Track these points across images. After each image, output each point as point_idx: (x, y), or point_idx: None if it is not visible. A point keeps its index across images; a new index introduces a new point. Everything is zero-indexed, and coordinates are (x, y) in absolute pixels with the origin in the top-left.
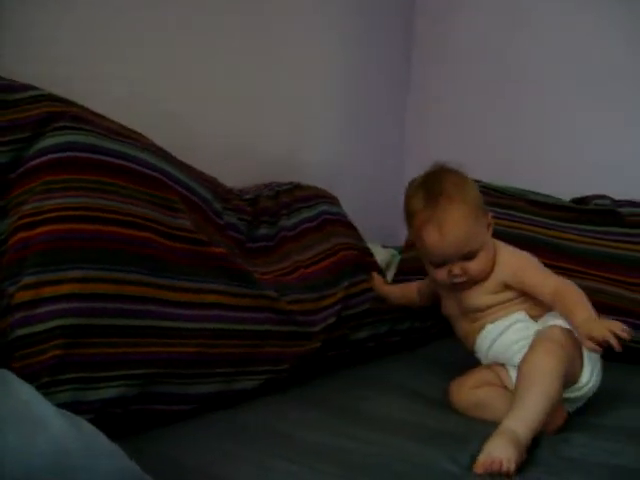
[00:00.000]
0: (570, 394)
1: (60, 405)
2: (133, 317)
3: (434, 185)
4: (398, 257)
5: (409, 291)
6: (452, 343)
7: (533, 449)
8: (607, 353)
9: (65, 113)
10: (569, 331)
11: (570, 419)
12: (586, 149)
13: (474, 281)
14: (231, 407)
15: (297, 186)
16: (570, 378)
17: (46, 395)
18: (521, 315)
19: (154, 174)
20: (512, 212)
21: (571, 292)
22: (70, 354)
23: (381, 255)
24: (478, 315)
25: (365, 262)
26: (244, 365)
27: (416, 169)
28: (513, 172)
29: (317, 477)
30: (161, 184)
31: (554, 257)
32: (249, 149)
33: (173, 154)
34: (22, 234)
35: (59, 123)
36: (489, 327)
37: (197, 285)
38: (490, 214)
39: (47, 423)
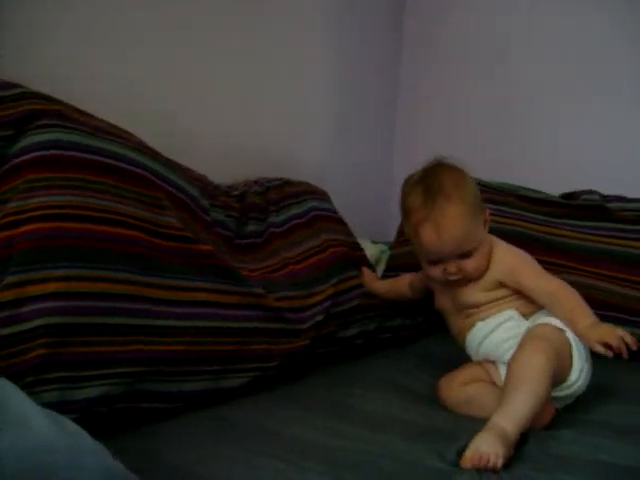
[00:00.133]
0: (559, 393)
1: (46, 404)
2: (119, 315)
3: (433, 182)
4: (388, 253)
5: (399, 285)
6: (442, 339)
7: (521, 445)
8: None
9: (49, 111)
10: (559, 330)
11: (558, 415)
12: (575, 147)
13: (469, 279)
14: (219, 405)
15: (287, 182)
16: (559, 376)
17: (31, 395)
18: (512, 313)
19: (140, 172)
20: (503, 208)
21: (568, 295)
22: (55, 353)
23: (371, 251)
24: (471, 311)
25: (355, 258)
26: (232, 363)
27: (406, 167)
28: (502, 171)
29: (304, 475)
30: (147, 182)
31: (545, 253)
32: (241, 147)
33: (170, 152)
34: (6, 233)
35: (43, 121)
36: (480, 324)
37: (184, 283)
38: (487, 210)
39: (31, 422)
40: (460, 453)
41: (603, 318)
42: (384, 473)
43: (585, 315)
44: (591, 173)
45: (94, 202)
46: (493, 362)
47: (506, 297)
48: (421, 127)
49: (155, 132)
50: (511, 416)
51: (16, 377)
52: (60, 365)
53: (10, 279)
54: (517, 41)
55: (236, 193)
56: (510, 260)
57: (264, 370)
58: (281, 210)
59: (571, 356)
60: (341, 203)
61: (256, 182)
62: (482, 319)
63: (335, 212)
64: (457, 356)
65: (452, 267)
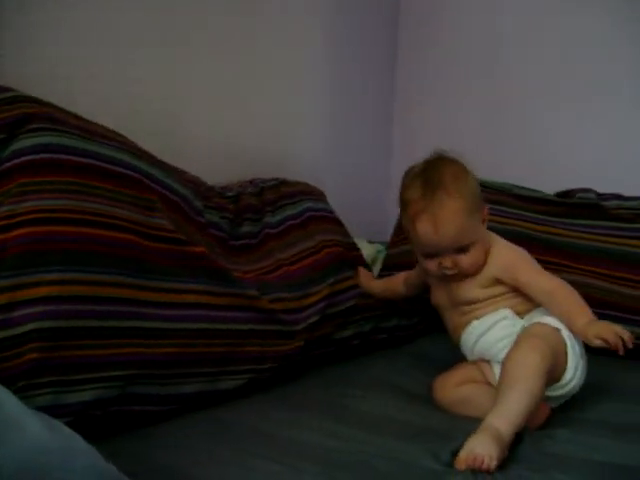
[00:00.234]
0: (553, 392)
1: (39, 408)
2: (112, 319)
3: (433, 175)
4: (384, 253)
5: (394, 284)
6: (438, 339)
7: (516, 445)
8: (586, 346)
9: (40, 114)
10: (555, 329)
11: (553, 414)
12: (575, 147)
13: (465, 275)
14: (214, 407)
15: (283, 182)
16: (554, 375)
17: (24, 399)
18: (507, 312)
19: (132, 174)
20: (499, 207)
21: (567, 294)
22: (48, 357)
23: (367, 251)
24: (467, 308)
25: (351, 258)
26: (226, 365)
27: (403, 167)
28: (501, 171)
29: (300, 476)
30: (140, 184)
31: (542, 252)
32: (237, 147)
33: (169, 152)
34: None
35: (34, 125)
36: (475, 323)
37: (177, 285)
38: (487, 208)
39: (24, 424)
40: (455, 454)
41: (600, 317)
42: (378, 473)
43: (583, 313)
44: (591, 173)
45: (86, 205)
46: (488, 361)
47: (503, 294)
48: (418, 127)
49: (155, 132)
50: (505, 416)
51: (8, 381)
52: (53, 369)
53: (2, 283)
54: (513, 41)
55: (230, 194)
56: (508, 256)
57: (259, 372)
58: (277, 211)
59: (566, 355)
60: (338, 203)
61: (251, 182)
62: (478, 317)
63: (331, 212)
64: (453, 356)
65: (448, 261)
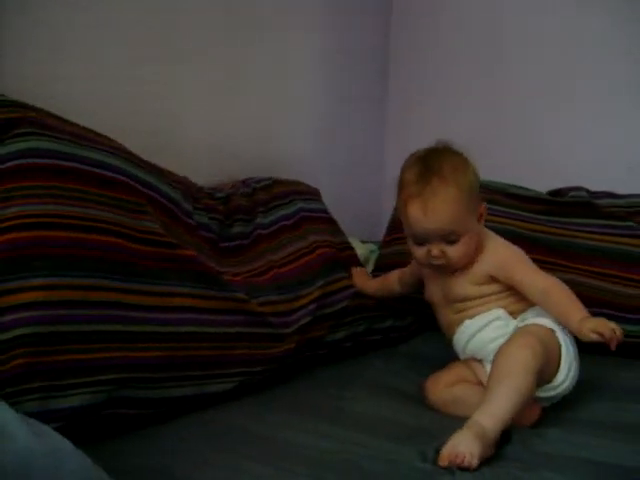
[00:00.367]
0: (545, 393)
1: (28, 414)
2: (101, 323)
3: (433, 162)
4: (377, 252)
5: (389, 282)
6: (431, 338)
7: (506, 444)
8: (579, 345)
9: (25, 119)
10: (549, 329)
11: (545, 413)
12: (574, 147)
13: (453, 267)
14: (205, 410)
15: (276, 181)
16: (545, 376)
17: (12, 405)
18: (500, 312)
19: (120, 178)
20: (491, 206)
21: (562, 292)
22: (35, 362)
23: (359, 250)
24: (460, 306)
25: (344, 258)
26: (216, 368)
27: (397, 167)
28: (497, 171)
29: (292, 479)
30: (127, 187)
31: (534, 250)
32: (230, 146)
33: (169, 152)
34: None
35: (19, 129)
36: (467, 323)
37: (165, 288)
38: (484, 205)
39: (10, 429)
40: (439, 451)
41: (594, 315)
42: (366, 474)
43: (579, 311)
44: (591, 173)
45: (72, 210)
46: (480, 361)
47: (496, 293)
48: (412, 126)
49: (155, 132)
50: (492, 413)
51: None
52: (41, 374)
53: None
54: (513, 41)
55: (220, 195)
56: (503, 254)
57: (249, 375)
58: (269, 211)
59: (559, 356)
60: (331, 202)
61: (244, 182)
62: (470, 317)
63: (325, 212)
64: (446, 355)
65: (435, 250)
